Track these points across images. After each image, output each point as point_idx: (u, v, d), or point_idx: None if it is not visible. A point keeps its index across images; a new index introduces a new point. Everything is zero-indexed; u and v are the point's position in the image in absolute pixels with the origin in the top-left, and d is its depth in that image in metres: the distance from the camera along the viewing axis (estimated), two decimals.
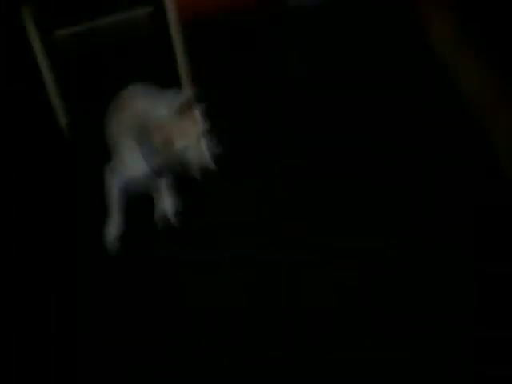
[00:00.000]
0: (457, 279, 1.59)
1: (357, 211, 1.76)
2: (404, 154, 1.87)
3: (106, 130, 1.67)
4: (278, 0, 2.40)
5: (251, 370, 1.51)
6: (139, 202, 1.71)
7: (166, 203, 1.77)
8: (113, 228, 1.69)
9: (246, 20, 2.40)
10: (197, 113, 1.50)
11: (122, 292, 1.71)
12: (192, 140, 1.48)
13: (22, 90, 2.15)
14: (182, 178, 1.63)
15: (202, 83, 2.11)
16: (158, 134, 1.49)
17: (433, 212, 1.74)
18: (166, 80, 1.98)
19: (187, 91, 1.78)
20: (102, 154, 1.72)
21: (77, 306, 1.71)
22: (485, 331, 1.48)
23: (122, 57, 2.30)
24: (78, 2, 2.19)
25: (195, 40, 2.14)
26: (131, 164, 1.60)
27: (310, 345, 1.51)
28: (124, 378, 1.59)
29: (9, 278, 1.76)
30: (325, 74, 2.16)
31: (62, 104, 2.05)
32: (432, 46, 2.18)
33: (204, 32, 2.30)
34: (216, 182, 1.61)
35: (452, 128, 1.91)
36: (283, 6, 2.42)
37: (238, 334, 1.59)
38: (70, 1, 2.15)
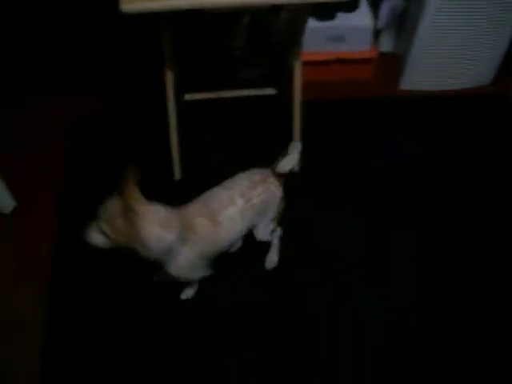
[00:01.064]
0: None
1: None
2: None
3: None
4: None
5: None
6: None
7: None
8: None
9: (358, 101, 2.47)
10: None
11: None
12: None
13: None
14: None
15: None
16: None
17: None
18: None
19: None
20: None
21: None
22: None
23: (236, 128, 2.36)
24: (212, 73, 2.33)
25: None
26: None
27: None
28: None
29: None
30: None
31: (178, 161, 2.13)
32: None
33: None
34: None
35: None
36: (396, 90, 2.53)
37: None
38: (204, 70, 2.30)
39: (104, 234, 1.45)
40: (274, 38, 2.38)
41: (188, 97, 2.20)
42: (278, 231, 1.87)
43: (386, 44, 2.68)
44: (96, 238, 1.46)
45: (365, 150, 2.32)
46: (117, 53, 2.61)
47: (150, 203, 1.47)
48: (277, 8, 2.22)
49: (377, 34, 2.61)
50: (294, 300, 1.86)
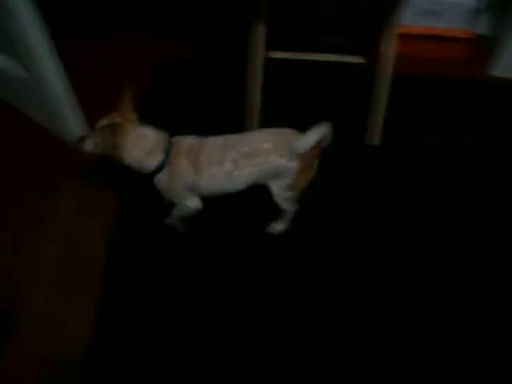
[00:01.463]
0: None
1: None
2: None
3: None
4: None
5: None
6: None
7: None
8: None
9: (445, 80, 2.39)
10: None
11: None
12: None
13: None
14: None
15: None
16: None
17: None
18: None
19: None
20: None
21: None
22: None
23: (317, 93, 2.31)
24: (299, 34, 2.29)
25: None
26: None
27: None
28: None
29: None
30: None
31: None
32: None
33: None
34: None
35: None
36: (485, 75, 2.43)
37: None
38: (292, 29, 2.26)
39: (96, 144, 1.62)
40: (365, 6, 2.31)
41: (273, 54, 2.16)
42: (295, 205, 1.83)
43: (482, 26, 2.55)
44: (88, 144, 1.64)
45: (443, 131, 2.24)
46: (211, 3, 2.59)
47: (141, 127, 1.63)
48: None
49: (475, 13, 2.49)
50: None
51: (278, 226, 1.93)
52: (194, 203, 1.76)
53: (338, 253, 1.91)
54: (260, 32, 1.89)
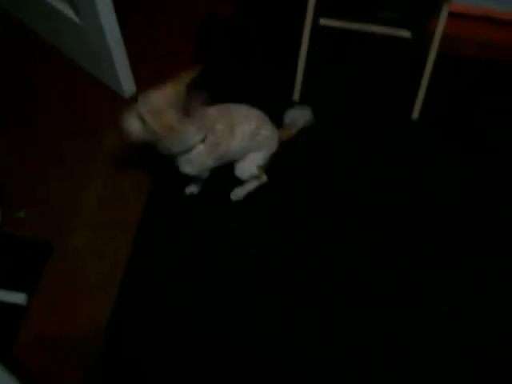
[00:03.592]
0: None
1: None
2: None
3: None
4: None
5: None
6: None
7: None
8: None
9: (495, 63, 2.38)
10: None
11: None
12: None
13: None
14: None
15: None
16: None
17: None
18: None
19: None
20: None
21: None
22: None
23: (362, 64, 2.34)
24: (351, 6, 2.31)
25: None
26: None
27: None
28: None
29: None
30: None
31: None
32: None
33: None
34: None
35: None
36: None
37: None
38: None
39: (143, 122, 1.51)
40: None
41: (323, 22, 2.17)
42: (263, 178, 1.93)
43: None
44: (134, 124, 1.54)
45: (490, 116, 2.23)
46: None
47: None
48: None
49: None
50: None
51: (239, 192, 1.98)
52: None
53: (369, 228, 1.94)
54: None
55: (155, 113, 1.49)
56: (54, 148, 2.11)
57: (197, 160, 1.69)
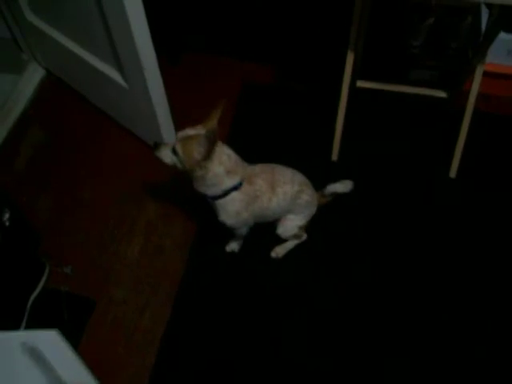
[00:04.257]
0: None
1: None
2: None
3: None
4: None
5: None
6: None
7: None
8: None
9: None
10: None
11: None
12: None
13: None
14: None
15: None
16: None
17: None
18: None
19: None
20: None
21: None
22: None
23: (399, 124, 2.38)
24: (386, 67, 2.37)
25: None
26: None
27: None
28: None
29: None
30: None
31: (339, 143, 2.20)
32: None
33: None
34: None
35: None
36: None
37: None
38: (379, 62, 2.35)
39: (175, 154, 1.60)
40: (453, 43, 2.34)
41: (360, 83, 2.24)
42: (303, 237, 2.00)
43: None
44: (166, 154, 1.63)
45: None
46: (302, 28, 2.71)
47: (225, 146, 1.63)
48: (464, 12, 2.20)
49: None
50: None
51: (280, 250, 2.01)
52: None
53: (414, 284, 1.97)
54: (350, 59, 1.98)
55: (186, 146, 1.57)
56: (97, 205, 2.19)
57: (232, 208, 1.70)
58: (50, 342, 1.15)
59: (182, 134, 1.60)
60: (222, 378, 1.76)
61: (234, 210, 1.71)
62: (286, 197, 1.77)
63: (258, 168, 1.74)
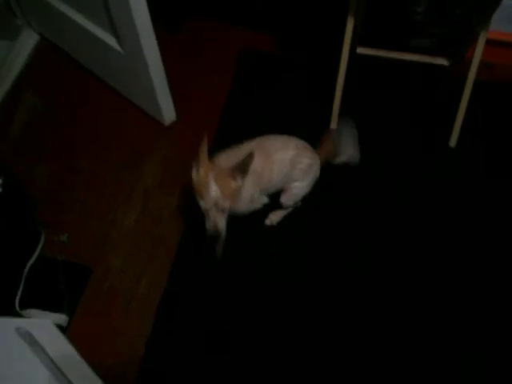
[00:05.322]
0: None
1: None
2: None
3: None
4: None
5: None
6: None
7: None
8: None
9: None
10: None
11: None
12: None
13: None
14: None
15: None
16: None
17: None
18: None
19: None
20: None
21: None
22: None
23: (397, 92, 2.36)
24: (387, 33, 2.32)
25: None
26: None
27: None
28: None
29: None
30: None
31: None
32: None
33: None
34: None
35: None
36: None
37: None
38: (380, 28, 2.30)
39: (222, 209, 1.57)
40: (458, 9, 2.29)
41: (360, 50, 2.19)
42: (299, 203, 1.96)
43: None
44: (221, 220, 1.60)
45: None
46: None
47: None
48: None
49: None
50: None
51: (274, 218, 1.99)
52: (265, 199, 1.85)
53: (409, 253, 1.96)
54: (349, 27, 1.93)
55: (224, 190, 1.55)
56: (94, 173, 2.16)
57: (245, 195, 1.69)
58: (45, 329, 1.15)
59: (213, 194, 1.55)
60: (218, 346, 1.76)
61: (247, 197, 1.71)
62: (285, 162, 1.75)
63: (253, 144, 1.72)
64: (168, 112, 2.24)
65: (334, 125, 2.20)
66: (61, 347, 1.18)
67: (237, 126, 2.20)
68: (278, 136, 1.79)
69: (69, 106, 2.37)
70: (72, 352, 1.21)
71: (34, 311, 1.78)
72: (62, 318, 1.77)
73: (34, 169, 2.16)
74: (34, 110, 2.34)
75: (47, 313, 1.78)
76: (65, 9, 2.16)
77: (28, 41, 2.53)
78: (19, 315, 1.76)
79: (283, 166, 1.75)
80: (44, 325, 1.19)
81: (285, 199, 1.89)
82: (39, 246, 1.92)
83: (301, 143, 1.82)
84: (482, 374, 1.71)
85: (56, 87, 2.42)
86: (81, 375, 1.22)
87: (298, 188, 1.85)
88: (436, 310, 1.83)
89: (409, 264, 1.92)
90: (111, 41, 2.05)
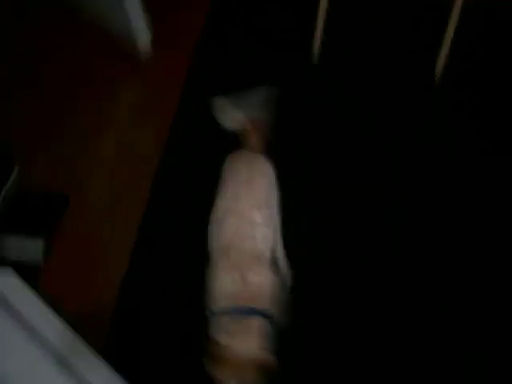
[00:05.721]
0: None
1: None
2: None
3: None
4: None
5: None
6: None
7: None
8: None
9: None
10: None
11: None
12: None
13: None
14: None
15: None
16: None
17: None
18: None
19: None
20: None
21: None
22: None
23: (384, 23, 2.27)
24: None
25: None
26: None
27: None
28: None
29: None
30: None
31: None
32: None
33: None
34: None
35: None
36: None
37: None
38: None
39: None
40: None
41: None
42: None
43: None
44: None
45: None
46: None
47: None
48: None
49: None
50: None
51: None
52: None
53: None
54: None
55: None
56: (69, 101, 2.12)
57: None
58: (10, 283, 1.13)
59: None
60: (196, 284, 1.65)
61: None
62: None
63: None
64: (143, 38, 2.17)
65: (316, 60, 2.12)
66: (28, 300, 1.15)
67: (215, 54, 2.17)
68: None
69: (35, 39, 2.27)
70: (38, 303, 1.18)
71: (11, 238, 1.76)
72: (38, 243, 1.75)
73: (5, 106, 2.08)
74: None
75: (24, 236, 1.76)
76: None
77: None
78: None
79: None
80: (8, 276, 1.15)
81: None
82: (14, 173, 1.87)
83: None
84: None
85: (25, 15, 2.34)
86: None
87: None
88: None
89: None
90: None
